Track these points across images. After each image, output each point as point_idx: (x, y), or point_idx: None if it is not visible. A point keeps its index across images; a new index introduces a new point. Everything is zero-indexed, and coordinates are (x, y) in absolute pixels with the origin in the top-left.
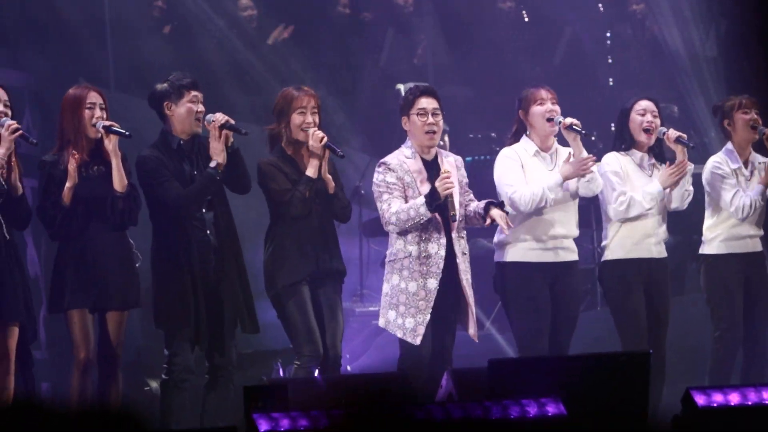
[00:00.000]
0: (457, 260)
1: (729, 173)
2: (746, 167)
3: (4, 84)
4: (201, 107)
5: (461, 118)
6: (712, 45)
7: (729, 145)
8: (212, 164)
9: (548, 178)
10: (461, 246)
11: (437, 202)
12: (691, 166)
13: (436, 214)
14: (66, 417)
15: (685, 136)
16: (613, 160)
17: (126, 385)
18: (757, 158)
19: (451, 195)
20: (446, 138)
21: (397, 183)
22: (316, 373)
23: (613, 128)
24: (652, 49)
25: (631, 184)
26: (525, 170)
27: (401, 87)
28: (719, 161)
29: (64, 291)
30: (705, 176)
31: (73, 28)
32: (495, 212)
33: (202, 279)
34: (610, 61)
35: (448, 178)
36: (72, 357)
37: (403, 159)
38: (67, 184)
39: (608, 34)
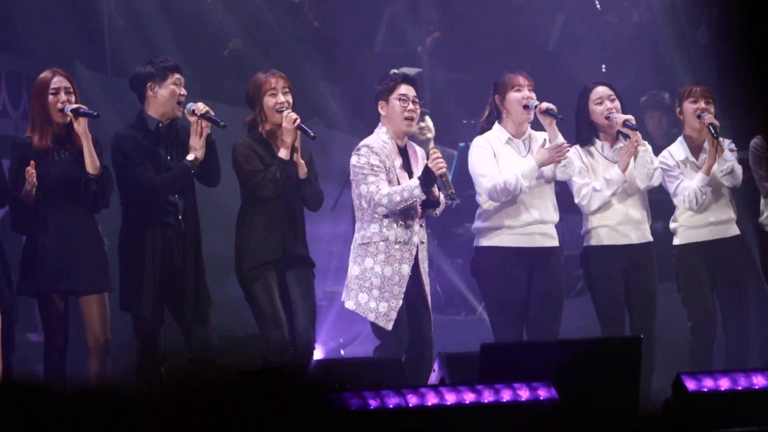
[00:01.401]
0: (418, 249)
1: (673, 165)
2: (697, 157)
3: None
4: (183, 90)
5: (455, 104)
6: (704, 31)
7: (681, 136)
8: (190, 157)
9: (522, 165)
10: (421, 235)
11: (434, 183)
12: (646, 146)
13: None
14: (54, 399)
15: (632, 118)
16: (573, 153)
17: (120, 368)
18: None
19: (445, 174)
20: (428, 119)
21: (380, 165)
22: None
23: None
24: (644, 36)
25: (596, 175)
26: (498, 159)
27: (395, 72)
28: (665, 154)
29: (34, 274)
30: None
31: (71, 11)
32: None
33: (165, 263)
34: (602, 47)
35: (439, 157)
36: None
37: (383, 142)
38: (26, 187)
39: (601, 27)
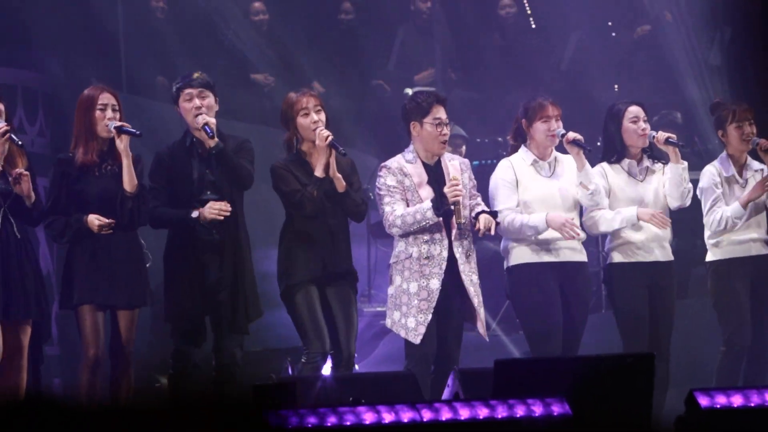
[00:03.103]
0: (458, 262)
1: (718, 182)
2: (741, 175)
3: (1, 83)
4: (197, 102)
5: (469, 123)
6: (716, 53)
7: (724, 154)
8: (194, 214)
9: (534, 217)
10: (464, 248)
11: (445, 208)
12: (684, 164)
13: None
14: (77, 413)
15: (674, 136)
16: (599, 176)
17: (136, 381)
18: (754, 165)
19: (458, 202)
20: (464, 147)
21: (397, 186)
22: (326, 369)
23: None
24: (657, 55)
25: (623, 195)
26: (519, 182)
27: (409, 91)
28: (712, 171)
29: (74, 288)
30: (699, 185)
31: (87, 29)
32: (481, 217)
33: (204, 277)
34: (615, 67)
35: (457, 185)
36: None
37: (403, 163)
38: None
39: (614, 47)
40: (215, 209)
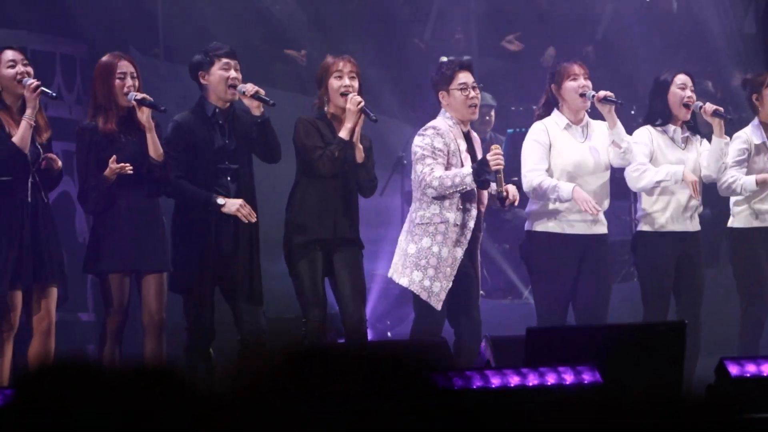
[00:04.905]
0: (479, 235)
1: (745, 149)
2: None
3: (18, 46)
4: (233, 73)
5: (503, 91)
6: (751, 22)
7: (756, 121)
8: (220, 201)
9: (563, 185)
10: (479, 222)
11: (485, 176)
12: (726, 139)
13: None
14: (113, 378)
15: (722, 109)
16: (645, 135)
17: (172, 347)
18: None
19: (500, 171)
20: (492, 113)
21: (442, 149)
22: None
23: None
24: (691, 25)
25: (665, 159)
26: (553, 146)
27: (444, 59)
28: (742, 137)
29: (100, 253)
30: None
31: None
32: (510, 187)
33: (218, 246)
34: (650, 37)
35: (500, 153)
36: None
37: (449, 126)
38: (108, 175)
39: (649, 17)
40: (244, 212)
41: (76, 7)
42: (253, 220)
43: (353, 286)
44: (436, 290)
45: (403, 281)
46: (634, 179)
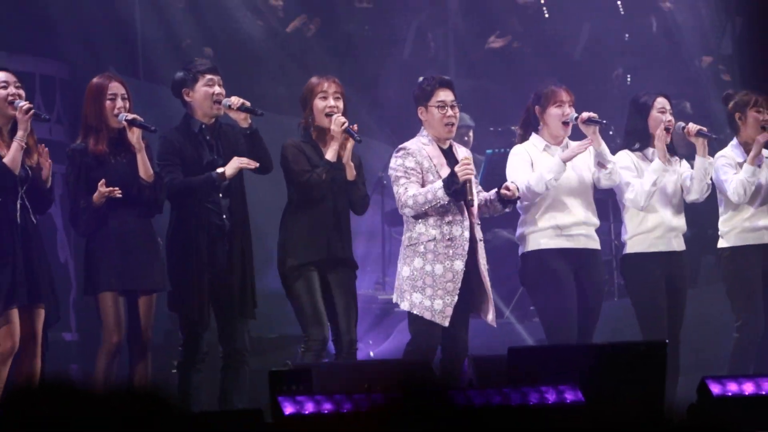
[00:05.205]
0: (477, 245)
1: (734, 164)
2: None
3: (10, 68)
4: (218, 89)
5: (481, 112)
6: (728, 43)
7: (735, 141)
8: (219, 170)
9: (547, 162)
10: (478, 233)
11: (455, 187)
12: (710, 159)
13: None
14: (93, 398)
15: (705, 129)
16: (624, 157)
17: (153, 368)
18: (765, 153)
19: (469, 181)
20: (471, 134)
21: (415, 168)
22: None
23: None
24: (668, 46)
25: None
26: (535, 166)
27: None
28: (727, 154)
29: (96, 275)
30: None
31: (104, 17)
32: (510, 184)
33: (211, 263)
34: (627, 57)
35: (468, 164)
36: (101, 340)
37: (422, 145)
38: (98, 197)
39: (626, 36)
40: (243, 162)
41: (56, 28)
42: (253, 165)
43: (346, 307)
44: (438, 308)
45: (405, 305)
46: (635, 201)
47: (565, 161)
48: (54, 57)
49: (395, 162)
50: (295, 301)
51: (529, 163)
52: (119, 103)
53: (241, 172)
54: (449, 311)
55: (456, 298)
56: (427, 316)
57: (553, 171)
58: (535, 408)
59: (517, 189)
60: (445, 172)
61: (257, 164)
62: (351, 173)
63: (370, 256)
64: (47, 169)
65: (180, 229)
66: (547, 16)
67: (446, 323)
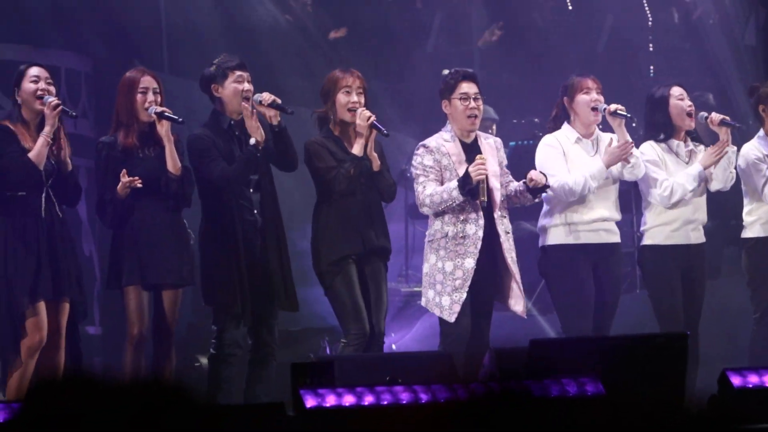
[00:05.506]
0: (501, 239)
1: (763, 158)
2: None
3: (45, 63)
4: (247, 86)
5: (505, 104)
6: (751, 34)
7: (761, 132)
8: (251, 141)
9: (591, 166)
10: (504, 225)
11: (469, 187)
12: (733, 148)
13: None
14: (118, 391)
15: (728, 118)
16: (649, 149)
17: (177, 361)
18: None
19: (482, 181)
20: (494, 127)
21: (434, 166)
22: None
23: None
24: (692, 37)
25: (670, 173)
26: (567, 157)
27: (447, 72)
28: (753, 147)
29: (121, 268)
30: (739, 162)
31: (129, 11)
32: (532, 172)
33: (247, 258)
34: (651, 49)
35: (482, 164)
36: (125, 333)
37: (442, 142)
38: (122, 188)
39: (650, 23)
40: (270, 112)
41: (81, 22)
42: (279, 101)
43: (377, 300)
44: (446, 304)
45: (423, 302)
46: (667, 197)
47: (607, 167)
48: (79, 51)
49: (415, 160)
50: (334, 297)
51: (562, 155)
52: (150, 97)
53: (268, 166)
54: (456, 308)
55: (464, 295)
56: (436, 312)
57: (597, 178)
58: (556, 400)
59: (544, 177)
60: (463, 170)
61: (276, 111)
62: (376, 164)
63: (392, 248)
64: (64, 153)
65: (213, 223)
66: (570, 8)
67: (452, 319)
